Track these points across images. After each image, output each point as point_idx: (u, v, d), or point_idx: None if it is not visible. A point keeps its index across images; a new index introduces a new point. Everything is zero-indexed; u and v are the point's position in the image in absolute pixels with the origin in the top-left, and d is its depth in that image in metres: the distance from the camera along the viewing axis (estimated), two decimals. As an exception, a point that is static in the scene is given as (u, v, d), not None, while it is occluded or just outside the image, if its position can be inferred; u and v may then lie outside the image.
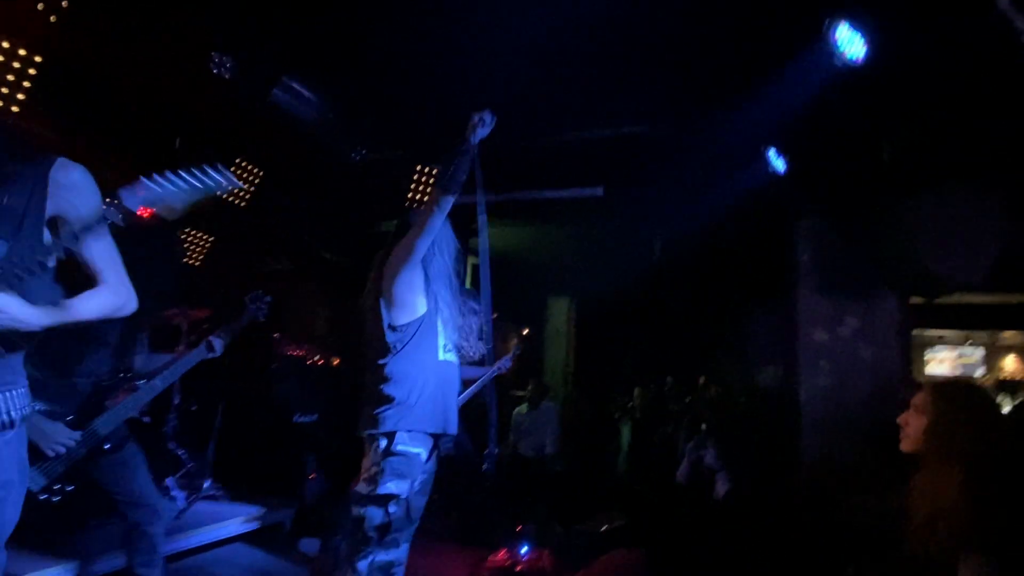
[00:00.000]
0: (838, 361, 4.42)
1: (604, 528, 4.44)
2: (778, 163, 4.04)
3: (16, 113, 3.33)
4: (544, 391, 6.38)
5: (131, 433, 2.86)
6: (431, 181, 2.43)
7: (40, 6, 2.58)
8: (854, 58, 2.86)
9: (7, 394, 1.57)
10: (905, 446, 1.99)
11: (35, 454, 2.27)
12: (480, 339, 2.72)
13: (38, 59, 3.29)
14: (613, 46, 3.43)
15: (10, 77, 3.24)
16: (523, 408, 6.26)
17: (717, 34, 3.26)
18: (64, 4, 2.62)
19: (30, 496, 2.25)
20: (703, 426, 4.91)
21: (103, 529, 3.58)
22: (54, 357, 2.40)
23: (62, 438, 2.32)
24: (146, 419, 4.43)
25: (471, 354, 2.71)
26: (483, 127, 2.35)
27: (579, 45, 3.43)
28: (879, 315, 4.43)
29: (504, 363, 4.22)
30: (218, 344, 2.86)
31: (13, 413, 1.58)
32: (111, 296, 1.70)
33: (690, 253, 6.11)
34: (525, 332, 7.55)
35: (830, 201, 4.58)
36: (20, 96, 3.29)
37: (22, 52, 3.23)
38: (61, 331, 2.35)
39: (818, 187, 4.59)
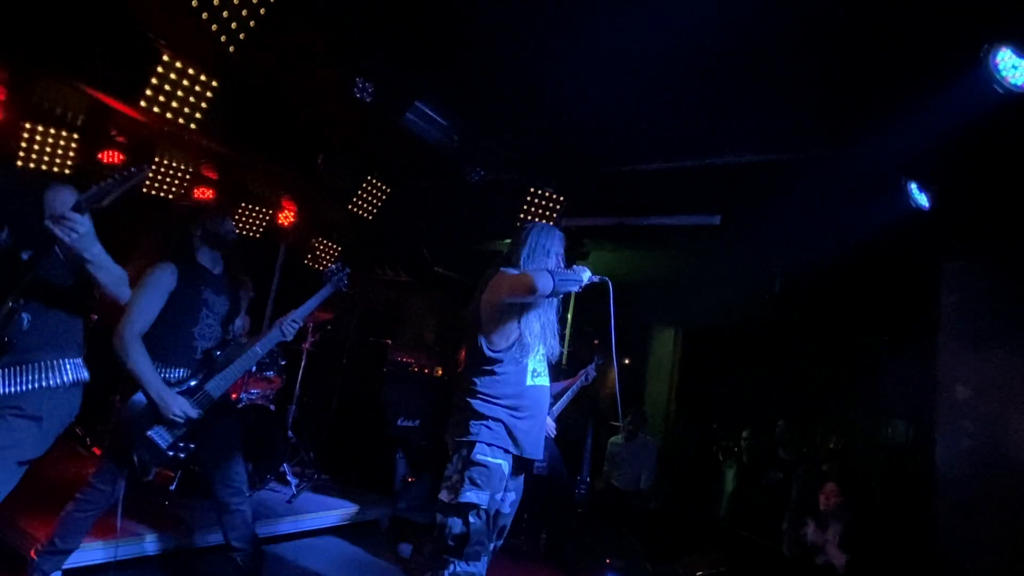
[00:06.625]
0: (985, 423, 3.90)
1: (699, 574, 4.22)
2: (921, 198, 3.68)
3: (194, 129, 3.86)
4: (642, 421, 6.20)
5: (237, 419, 3.14)
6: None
7: (223, 38, 2.99)
8: (1020, 84, 2.58)
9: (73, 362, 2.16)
10: None
11: (159, 419, 2.64)
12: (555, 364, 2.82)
13: (215, 84, 3.81)
14: (738, 67, 3.28)
15: (192, 99, 3.79)
16: (619, 438, 6.11)
17: (852, 57, 3.05)
18: (242, 36, 3.02)
19: (159, 452, 2.61)
20: (794, 494, 4.48)
21: (203, 507, 3.94)
22: (176, 325, 2.77)
23: (177, 409, 2.65)
24: (272, 407, 4.84)
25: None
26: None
27: (700, 68, 3.33)
28: (1039, 373, 3.87)
29: (589, 371, 4.27)
30: (290, 330, 2.89)
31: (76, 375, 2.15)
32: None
33: (814, 289, 5.69)
34: (627, 361, 7.41)
35: (984, 242, 4.11)
36: (198, 115, 3.82)
37: (203, 77, 3.77)
38: (180, 306, 2.74)
39: (971, 226, 4.14)
